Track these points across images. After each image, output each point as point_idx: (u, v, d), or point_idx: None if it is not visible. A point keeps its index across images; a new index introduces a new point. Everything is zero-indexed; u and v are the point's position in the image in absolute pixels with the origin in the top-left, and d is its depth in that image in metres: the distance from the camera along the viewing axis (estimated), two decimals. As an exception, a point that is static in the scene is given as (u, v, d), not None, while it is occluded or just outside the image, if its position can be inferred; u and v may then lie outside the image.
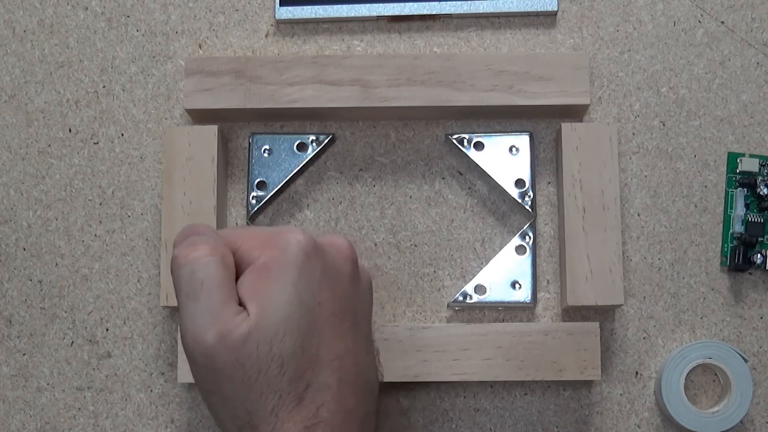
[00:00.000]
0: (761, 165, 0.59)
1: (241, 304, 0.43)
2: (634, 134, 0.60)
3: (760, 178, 0.59)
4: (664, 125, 0.60)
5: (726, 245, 0.59)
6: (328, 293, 0.43)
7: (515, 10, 0.61)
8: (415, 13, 0.61)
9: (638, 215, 0.60)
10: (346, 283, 0.45)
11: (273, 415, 0.41)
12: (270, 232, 0.45)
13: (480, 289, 0.58)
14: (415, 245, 0.60)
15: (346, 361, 0.44)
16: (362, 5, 0.61)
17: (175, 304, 0.56)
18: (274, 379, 0.41)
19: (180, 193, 0.57)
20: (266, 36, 0.62)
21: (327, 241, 0.45)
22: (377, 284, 0.59)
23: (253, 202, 0.59)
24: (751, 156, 0.60)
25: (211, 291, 0.42)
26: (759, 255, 0.58)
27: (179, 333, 0.44)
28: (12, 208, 0.61)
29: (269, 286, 0.42)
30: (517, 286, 0.58)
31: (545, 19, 0.61)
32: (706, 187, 0.60)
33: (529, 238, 0.59)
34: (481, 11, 0.61)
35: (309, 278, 0.43)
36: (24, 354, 0.60)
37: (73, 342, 0.60)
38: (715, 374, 0.58)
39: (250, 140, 0.60)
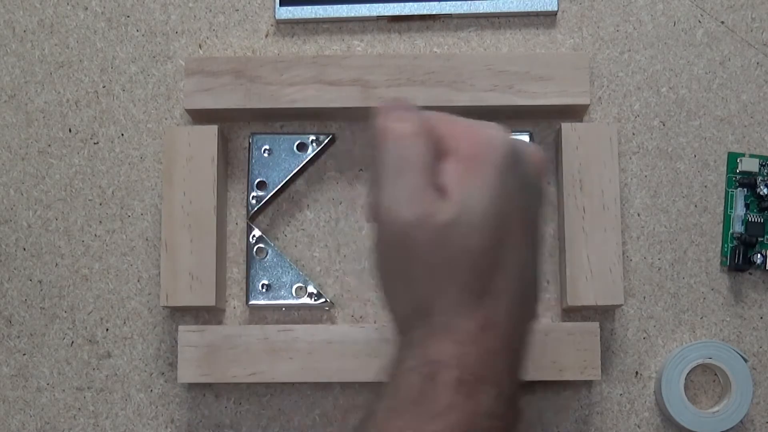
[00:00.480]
0: (761, 165, 0.59)
1: (439, 189, 0.42)
2: (634, 134, 0.60)
3: (760, 178, 0.59)
4: (664, 125, 0.60)
5: (726, 245, 0.59)
6: (522, 201, 0.43)
7: (515, 10, 0.61)
8: (415, 13, 0.61)
9: (638, 215, 0.60)
10: (536, 197, 0.44)
11: (451, 306, 0.41)
12: (473, 125, 0.44)
13: (480, 289, 0.58)
14: (415, 245, 0.60)
15: (526, 272, 0.43)
16: (362, 5, 0.61)
17: (175, 304, 0.56)
18: (462, 272, 0.41)
19: (180, 193, 0.57)
20: (266, 36, 0.62)
21: (525, 149, 0.44)
22: (378, 284, 0.59)
23: (253, 202, 0.59)
24: (751, 156, 0.60)
25: (416, 170, 0.41)
26: (759, 255, 0.58)
27: (368, 207, 0.43)
28: (12, 208, 0.61)
29: (474, 179, 0.41)
30: (517, 286, 0.58)
31: (545, 19, 0.61)
32: (706, 187, 0.60)
33: (529, 238, 0.59)
34: (481, 11, 0.61)
35: (510, 181, 0.42)
36: (24, 354, 0.60)
37: (73, 342, 0.60)
38: (715, 374, 0.58)
39: (250, 140, 0.60)
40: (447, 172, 0.42)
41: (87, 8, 0.62)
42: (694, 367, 0.57)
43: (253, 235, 0.59)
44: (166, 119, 0.61)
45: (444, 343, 0.40)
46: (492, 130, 0.42)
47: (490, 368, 0.41)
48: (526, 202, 0.43)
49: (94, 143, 0.61)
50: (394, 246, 0.42)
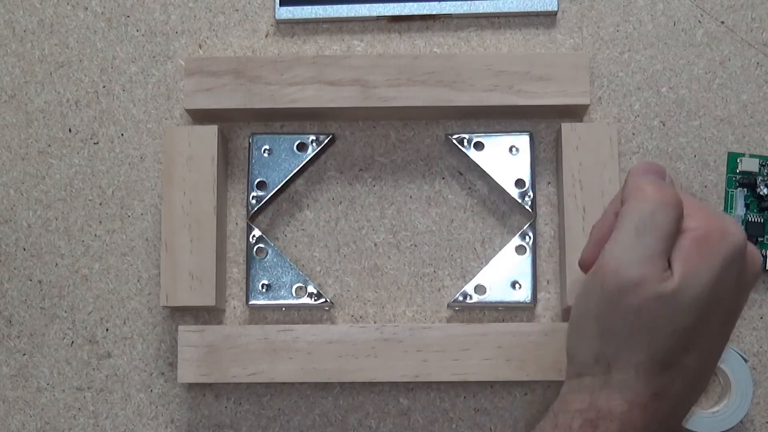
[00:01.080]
0: (761, 165, 0.59)
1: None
2: (634, 134, 0.60)
3: (760, 178, 0.59)
4: (664, 125, 0.60)
5: (726, 245, 0.59)
6: (733, 296, 0.45)
7: (515, 10, 0.61)
8: (415, 13, 0.61)
9: (638, 215, 0.60)
10: (744, 297, 0.46)
11: (634, 369, 0.43)
12: (715, 212, 0.46)
13: (480, 289, 0.58)
14: (415, 245, 0.60)
15: (709, 359, 0.46)
16: (362, 5, 0.61)
17: (175, 304, 0.56)
18: (659, 342, 0.43)
19: (180, 193, 0.57)
20: (266, 36, 0.62)
21: (752, 250, 0.46)
22: (377, 284, 0.59)
23: (253, 202, 0.59)
24: (751, 156, 0.60)
25: (659, 237, 0.43)
26: (759, 255, 0.58)
27: (605, 256, 0.44)
28: (12, 208, 0.61)
29: (702, 262, 0.43)
30: (517, 286, 0.58)
31: (545, 19, 0.61)
32: (706, 187, 0.60)
33: (529, 238, 0.59)
34: (481, 11, 0.61)
35: (730, 275, 0.44)
36: (24, 354, 0.60)
37: (73, 342, 0.60)
38: (715, 374, 0.58)
39: (250, 140, 0.60)
40: (679, 247, 0.43)
41: (87, 8, 0.62)
42: None
43: (253, 235, 0.59)
44: (166, 119, 0.61)
45: (615, 398, 0.43)
46: (730, 222, 0.44)
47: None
48: (736, 298, 0.45)
49: (94, 143, 0.61)
50: (607, 297, 0.44)
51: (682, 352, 0.43)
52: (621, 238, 0.44)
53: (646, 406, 0.43)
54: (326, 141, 0.60)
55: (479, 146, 0.59)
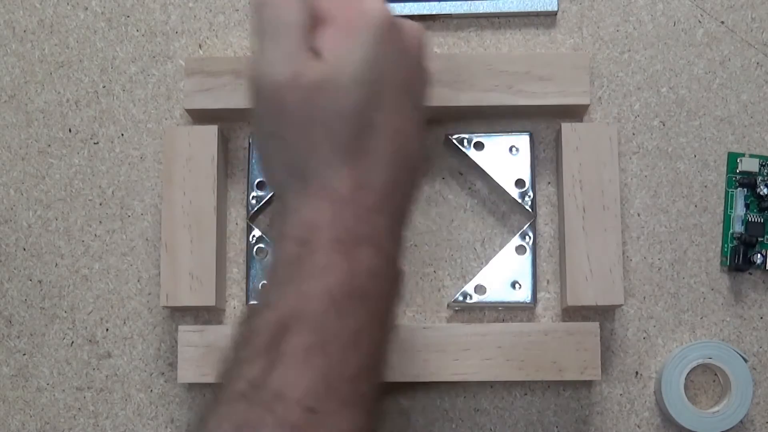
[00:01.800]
0: (761, 165, 0.59)
1: (314, 53, 0.43)
2: (634, 134, 0.60)
3: (760, 178, 0.59)
4: (664, 125, 0.60)
5: (726, 245, 0.59)
6: (399, 71, 0.44)
7: (515, 10, 0.61)
8: (415, 13, 0.61)
9: (638, 215, 0.60)
10: (415, 70, 0.46)
11: (324, 166, 0.42)
12: None
13: (480, 289, 0.58)
14: (415, 245, 0.60)
15: (401, 137, 0.44)
16: (362, 5, 0.61)
17: (175, 304, 0.56)
18: (333, 132, 0.42)
19: (180, 193, 0.57)
20: (266, 36, 0.62)
21: (404, 24, 0.46)
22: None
23: (253, 202, 0.59)
24: (751, 156, 0.60)
25: (290, 33, 0.43)
26: (759, 255, 0.58)
27: (250, 72, 0.44)
28: (12, 208, 0.61)
29: (348, 43, 0.43)
30: (517, 286, 0.58)
31: (545, 19, 0.61)
32: (706, 187, 0.60)
33: (529, 238, 0.59)
34: (481, 11, 0.61)
35: (385, 49, 0.43)
36: (24, 354, 0.60)
37: (73, 342, 0.60)
38: (715, 374, 0.58)
39: (250, 140, 0.60)
40: (322, 37, 0.43)
41: (87, 8, 0.62)
42: (694, 367, 0.57)
43: (253, 235, 0.59)
44: (166, 119, 0.61)
45: (318, 205, 0.41)
46: (369, 1, 0.44)
47: (367, 227, 0.41)
48: (404, 72, 0.44)
49: (94, 143, 0.61)
50: (268, 108, 0.43)
51: (362, 135, 0.42)
52: (259, 49, 0.43)
53: (353, 201, 0.41)
54: (326, 141, 0.60)
55: (479, 146, 0.59)
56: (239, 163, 0.61)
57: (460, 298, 0.58)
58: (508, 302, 0.58)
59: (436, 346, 0.56)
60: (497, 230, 0.60)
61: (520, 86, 0.58)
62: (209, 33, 0.62)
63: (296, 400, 0.37)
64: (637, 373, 0.59)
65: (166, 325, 0.60)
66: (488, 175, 0.59)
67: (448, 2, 0.61)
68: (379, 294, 0.41)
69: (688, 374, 0.57)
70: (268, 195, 0.59)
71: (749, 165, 0.59)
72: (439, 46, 0.61)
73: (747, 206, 0.59)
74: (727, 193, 0.60)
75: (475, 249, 0.60)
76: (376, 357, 0.41)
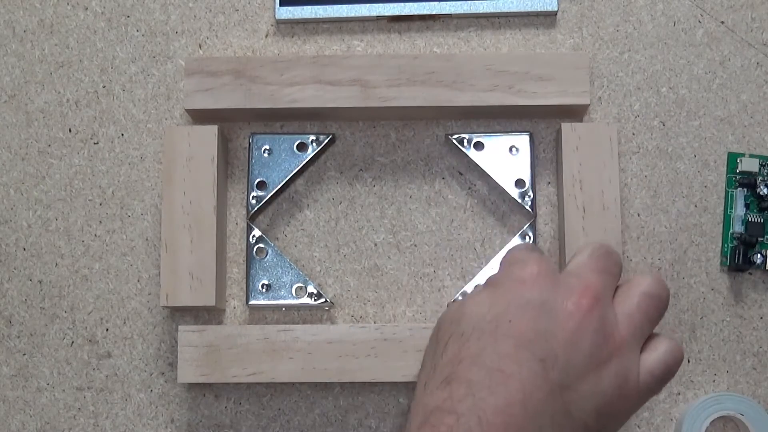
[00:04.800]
0: (761, 165, 0.59)
1: None
2: (634, 134, 0.60)
3: (760, 178, 0.59)
4: (664, 125, 0.60)
5: (726, 245, 0.59)
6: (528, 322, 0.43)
7: (515, 10, 0.61)
8: (415, 13, 0.61)
9: (638, 215, 0.60)
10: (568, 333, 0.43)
11: (424, 385, 0.43)
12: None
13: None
14: (415, 245, 0.60)
15: (510, 384, 0.41)
16: (362, 5, 0.61)
17: (175, 304, 0.56)
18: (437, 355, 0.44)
19: (180, 193, 0.57)
20: (266, 36, 0.62)
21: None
22: (377, 284, 0.59)
23: (253, 202, 0.59)
24: (751, 156, 0.60)
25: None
26: (759, 255, 0.58)
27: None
28: (12, 208, 0.61)
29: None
30: (517, 286, 0.58)
31: (545, 19, 0.61)
32: (706, 187, 0.60)
33: (529, 238, 0.59)
34: (481, 11, 0.61)
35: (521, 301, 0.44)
36: (24, 354, 0.60)
37: (73, 342, 0.60)
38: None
39: (250, 140, 0.60)
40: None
41: (87, 8, 0.62)
42: (715, 419, 0.57)
43: (253, 235, 0.59)
44: (166, 119, 0.61)
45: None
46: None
47: None
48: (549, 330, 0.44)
49: (94, 143, 0.61)
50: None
51: (460, 363, 0.43)
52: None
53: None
54: (326, 141, 0.60)
55: (479, 146, 0.59)
56: (239, 163, 0.61)
57: (460, 298, 0.58)
58: (508, 302, 0.58)
59: (436, 346, 0.56)
60: (497, 230, 0.60)
61: (520, 86, 0.58)
62: (209, 33, 0.62)
63: None
64: (637, 373, 0.59)
65: (166, 325, 0.60)
66: (488, 175, 0.59)
67: (448, 2, 0.61)
68: None
69: (707, 428, 0.57)
70: (268, 195, 0.59)
71: (749, 165, 0.59)
72: (439, 46, 0.61)
73: (747, 206, 0.59)
74: (727, 193, 0.60)
75: (475, 249, 0.60)
76: None
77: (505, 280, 0.44)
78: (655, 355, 0.44)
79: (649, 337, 0.45)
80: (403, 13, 0.61)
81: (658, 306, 0.45)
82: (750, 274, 0.59)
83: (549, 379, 0.41)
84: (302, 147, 0.60)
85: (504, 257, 0.48)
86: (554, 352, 0.41)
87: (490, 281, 0.45)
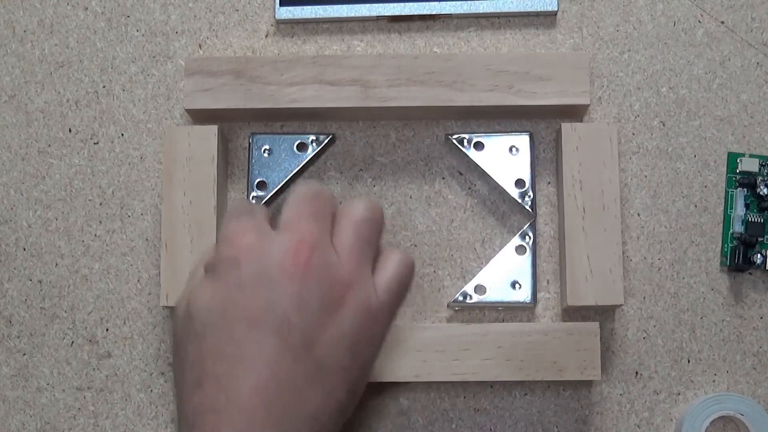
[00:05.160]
0: (761, 165, 0.59)
1: None
2: (634, 134, 0.60)
3: (760, 178, 0.59)
4: (664, 125, 0.60)
5: (726, 245, 0.59)
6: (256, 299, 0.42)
7: (515, 10, 0.61)
8: (415, 13, 0.61)
9: (638, 215, 0.60)
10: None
11: (180, 392, 0.42)
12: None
13: (480, 289, 0.58)
14: (415, 245, 0.60)
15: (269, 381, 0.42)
16: (362, 5, 0.61)
17: (175, 304, 0.56)
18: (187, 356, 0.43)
19: (180, 193, 0.57)
20: (266, 36, 0.62)
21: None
22: None
23: (253, 202, 0.59)
24: (751, 156, 0.60)
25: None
26: (759, 255, 0.58)
27: None
28: (12, 208, 0.61)
29: None
30: (517, 286, 0.58)
31: (545, 19, 0.61)
32: (706, 187, 0.60)
33: (529, 238, 0.59)
34: (481, 11, 0.61)
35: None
36: (24, 354, 0.60)
37: (73, 342, 0.60)
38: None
39: (250, 140, 0.60)
40: None
41: (87, 8, 0.62)
42: (714, 419, 0.57)
43: (253, 235, 0.59)
44: (166, 119, 0.61)
45: None
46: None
47: None
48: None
49: (94, 143, 0.61)
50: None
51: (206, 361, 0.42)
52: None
53: None
54: (326, 141, 0.60)
55: (479, 146, 0.59)
56: (239, 163, 0.61)
57: (460, 298, 0.58)
58: (508, 302, 0.58)
59: (436, 346, 0.56)
60: (497, 230, 0.60)
61: (520, 86, 0.58)
62: (209, 33, 0.62)
63: None
64: (637, 373, 0.59)
65: (166, 325, 0.60)
66: (488, 175, 0.59)
67: (448, 2, 0.61)
68: None
69: (707, 428, 0.57)
70: (268, 195, 0.59)
71: (749, 165, 0.59)
72: (439, 46, 0.61)
73: (747, 206, 0.59)
74: (727, 193, 0.60)
75: (475, 249, 0.60)
76: None
77: (220, 264, 0.43)
78: (386, 273, 0.44)
79: (376, 256, 0.45)
80: (403, 13, 0.61)
81: (374, 227, 0.45)
82: (750, 274, 0.59)
83: (290, 346, 0.41)
84: (302, 147, 0.60)
85: (218, 234, 0.46)
86: (287, 319, 0.41)
87: (208, 267, 0.43)
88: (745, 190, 0.59)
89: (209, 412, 0.40)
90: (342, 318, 0.42)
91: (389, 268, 0.45)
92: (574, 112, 0.59)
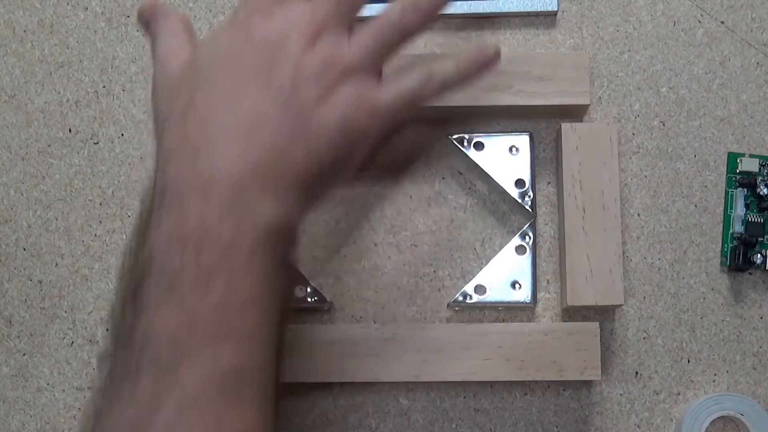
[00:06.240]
0: (761, 165, 0.59)
1: None
2: (634, 134, 0.60)
3: (760, 178, 0.59)
4: (664, 125, 0.60)
5: (726, 245, 0.59)
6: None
7: (515, 10, 0.61)
8: (415, 13, 0.61)
9: (638, 215, 0.60)
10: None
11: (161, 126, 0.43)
12: None
13: (480, 289, 0.58)
14: (415, 245, 0.60)
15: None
16: (362, 5, 0.61)
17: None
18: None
19: (180, 193, 0.57)
20: (266, 36, 0.62)
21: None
22: (377, 284, 0.59)
23: (253, 202, 0.59)
24: (751, 156, 0.60)
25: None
26: (759, 255, 0.58)
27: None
28: (12, 208, 0.61)
29: None
30: (517, 286, 0.58)
31: (545, 19, 0.61)
32: (706, 187, 0.60)
33: (529, 238, 0.59)
34: (481, 11, 0.61)
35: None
36: (24, 354, 0.60)
37: (73, 342, 0.60)
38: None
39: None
40: None
41: (87, 8, 0.62)
42: (714, 419, 0.57)
43: (253, 235, 0.59)
44: (166, 119, 0.61)
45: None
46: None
47: None
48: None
49: (94, 143, 0.61)
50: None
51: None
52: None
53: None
54: (326, 141, 0.60)
55: (479, 146, 0.59)
56: (239, 163, 0.61)
57: (460, 298, 0.58)
58: (508, 302, 0.58)
59: (436, 346, 0.56)
60: (497, 230, 0.60)
61: (520, 86, 0.58)
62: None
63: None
64: (637, 373, 0.59)
65: (166, 325, 0.60)
66: (488, 175, 0.59)
67: (448, 2, 0.61)
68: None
69: (707, 428, 0.57)
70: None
71: (749, 165, 0.59)
72: (439, 46, 0.61)
73: (747, 206, 0.59)
74: (727, 193, 0.60)
75: (475, 249, 0.60)
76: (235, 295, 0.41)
77: (239, 12, 0.45)
78: (407, 81, 0.45)
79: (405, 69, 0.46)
80: (403, 13, 0.61)
81: (394, 34, 0.46)
82: (750, 274, 0.59)
83: (279, 102, 0.42)
84: (302, 147, 0.60)
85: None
86: (284, 83, 0.42)
87: (227, 20, 0.46)
88: (745, 190, 0.59)
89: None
90: (337, 95, 0.43)
91: (412, 79, 0.46)
92: (574, 112, 0.59)
